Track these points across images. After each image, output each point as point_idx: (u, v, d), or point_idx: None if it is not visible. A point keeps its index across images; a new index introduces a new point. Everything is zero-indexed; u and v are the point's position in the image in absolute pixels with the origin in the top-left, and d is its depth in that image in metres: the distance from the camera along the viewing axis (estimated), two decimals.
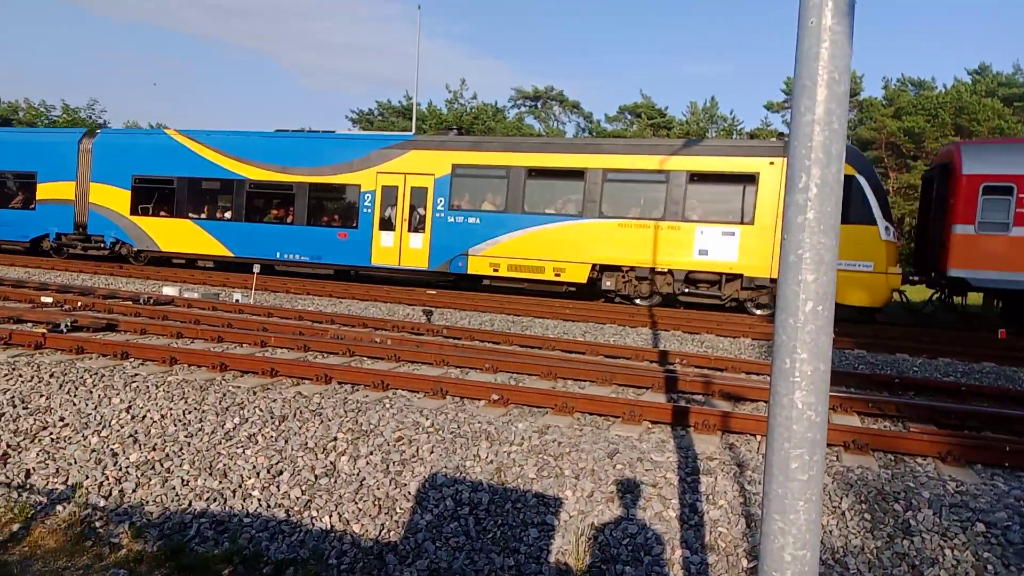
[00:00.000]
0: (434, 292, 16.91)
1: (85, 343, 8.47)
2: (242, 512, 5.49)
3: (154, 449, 6.21)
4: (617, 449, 5.80)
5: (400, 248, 17.20)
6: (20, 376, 7.35)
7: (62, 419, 6.68)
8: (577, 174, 15.92)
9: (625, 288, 15.97)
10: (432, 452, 5.96)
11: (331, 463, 5.96)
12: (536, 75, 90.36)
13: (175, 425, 6.50)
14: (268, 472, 5.87)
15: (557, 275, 16.15)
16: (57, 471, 6.06)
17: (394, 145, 17.57)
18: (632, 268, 15.63)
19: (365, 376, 7.59)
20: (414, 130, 28.11)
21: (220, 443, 6.23)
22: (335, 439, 6.23)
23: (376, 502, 5.51)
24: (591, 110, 46.33)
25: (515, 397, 7.03)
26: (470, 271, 16.80)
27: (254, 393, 7.03)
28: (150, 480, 5.87)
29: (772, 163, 14.66)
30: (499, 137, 18.88)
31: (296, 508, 5.51)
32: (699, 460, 5.60)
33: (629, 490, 5.27)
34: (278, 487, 5.72)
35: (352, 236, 17.57)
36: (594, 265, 15.92)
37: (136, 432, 6.42)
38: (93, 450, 6.25)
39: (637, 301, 15.97)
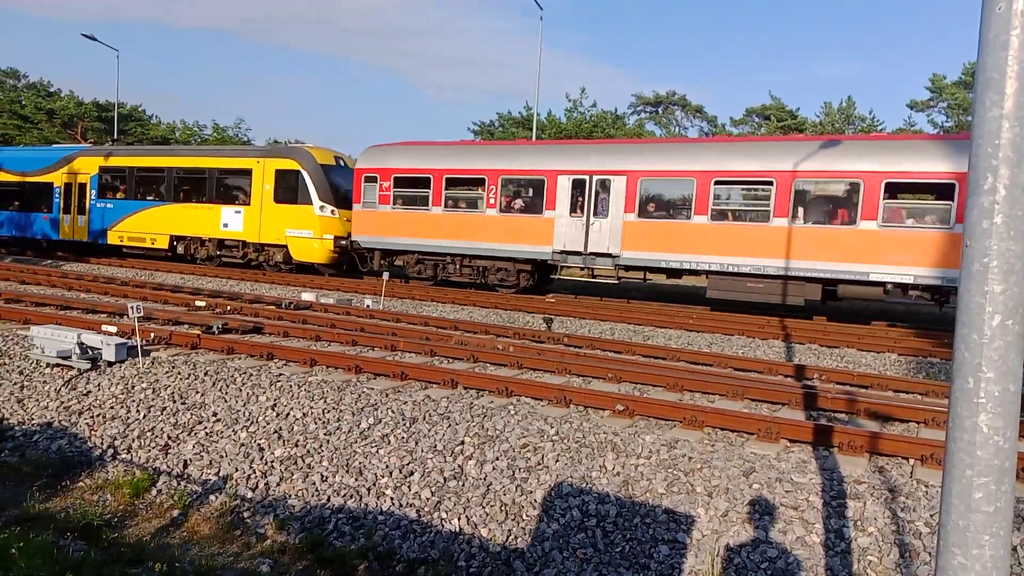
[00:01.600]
0: (553, 299, 16.95)
1: (235, 344, 9.12)
2: (376, 510, 5.69)
3: (296, 445, 6.57)
4: (753, 467, 5.54)
5: (73, 226, 24.63)
6: (179, 374, 8.02)
7: (215, 414, 7.22)
8: (162, 171, 22.99)
9: (195, 252, 22.31)
10: (557, 461, 5.93)
11: (459, 466, 6.07)
12: (657, 81, 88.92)
13: (315, 423, 6.85)
14: (400, 472, 6.06)
15: (152, 243, 22.96)
16: (210, 463, 6.54)
17: (73, 154, 25.26)
18: (193, 238, 22.26)
19: (490, 382, 7.69)
20: (534, 138, 28.44)
21: (356, 442, 6.50)
22: (462, 443, 6.34)
23: (503, 508, 5.55)
24: (715, 114, 44.78)
25: (641, 408, 6.89)
26: (109, 242, 23.75)
27: (386, 395, 7.30)
28: (292, 475, 6.21)
29: (259, 162, 21.07)
30: (127, 147, 27.45)
31: (426, 509, 5.65)
32: (845, 483, 5.24)
33: (767, 511, 5.00)
34: (409, 487, 5.89)
35: (50, 218, 25.28)
36: (172, 236, 22.50)
37: (280, 429, 6.83)
38: (242, 444, 6.70)
39: (206, 263, 22.03)
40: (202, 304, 13.08)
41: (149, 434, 7.01)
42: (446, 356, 9.41)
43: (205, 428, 7.03)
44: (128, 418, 7.27)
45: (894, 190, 13.71)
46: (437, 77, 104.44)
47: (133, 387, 7.77)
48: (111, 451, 6.88)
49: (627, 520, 5.18)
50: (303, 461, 6.37)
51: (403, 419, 6.78)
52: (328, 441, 6.58)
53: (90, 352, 8.28)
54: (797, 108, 38.20)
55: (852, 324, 14.37)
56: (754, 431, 6.31)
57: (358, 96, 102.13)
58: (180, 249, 22.54)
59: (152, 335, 9.24)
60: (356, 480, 6.04)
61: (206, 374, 7.97)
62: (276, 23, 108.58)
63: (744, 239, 14.74)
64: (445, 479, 5.93)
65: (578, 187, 16.50)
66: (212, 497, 6.12)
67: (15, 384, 8.17)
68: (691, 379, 8.14)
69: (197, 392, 7.61)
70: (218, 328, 10.23)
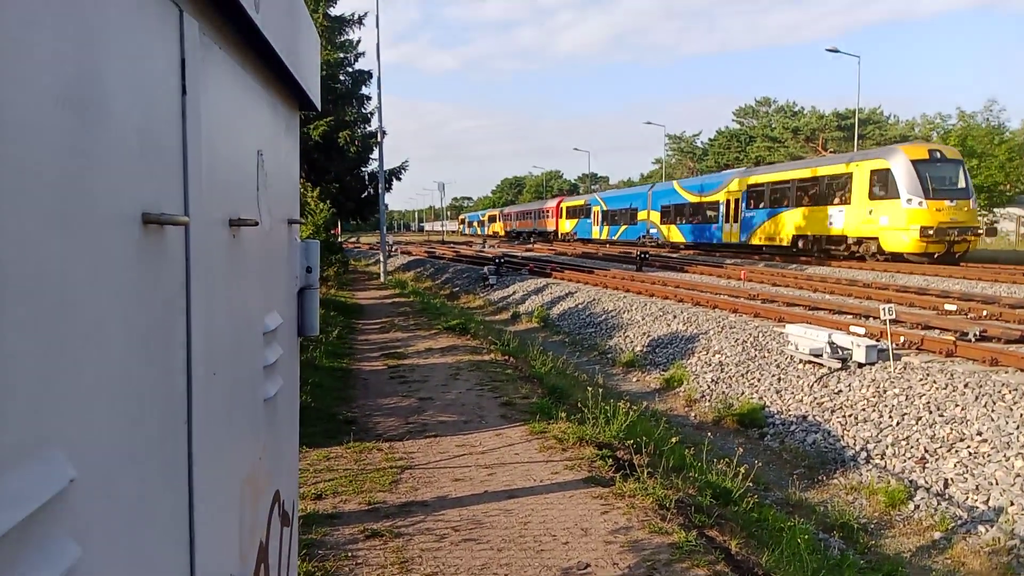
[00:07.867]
0: None
1: (998, 355, 7.84)
2: None
3: None
4: None
5: (730, 231, 28.32)
6: (934, 382, 7.34)
7: (979, 433, 6.29)
8: (786, 183, 25.57)
9: (812, 247, 24.99)
10: None
11: None
12: None
13: None
14: None
15: (780, 241, 25.57)
16: (976, 488, 5.70)
17: (731, 178, 30.30)
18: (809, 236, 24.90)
19: None
20: None
21: None
22: None
23: None
24: None
25: None
26: (751, 243, 27.81)
27: None
28: None
29: (857, 165, 21.77)
30: (764, 167, 29.97)
31: None
32: None
33: None
34: None
35: (716, 227, 29.77)
36: (794, 236, 25.05)
37: None
38: (1017, 475, 5.61)
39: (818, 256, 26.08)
40: (952, 308, 11.89)
41: (903, 443, 6.63)
42: None
43: (968, 447, 6.20)
44: (880, 423, 7.06)
45: None
46: None
47: (884, 391, 7.51)
48: (863, 454, 6.79)
49: None
50: None
51: None
52: None
53: (839, 352, 8.43)
54: None
55: None
56: None
57: None
58: (800, 245, 24.51)
59: (901, 338, 8.81)
60: None
61: (966, 386, 7.07)
62: None
63: None
64: None
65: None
66: (981, 528, 5.31)
67: (773, 376, 9.01)
68: None
69: (956, 405, 6.81)
70: (975, 335, 9.03)
